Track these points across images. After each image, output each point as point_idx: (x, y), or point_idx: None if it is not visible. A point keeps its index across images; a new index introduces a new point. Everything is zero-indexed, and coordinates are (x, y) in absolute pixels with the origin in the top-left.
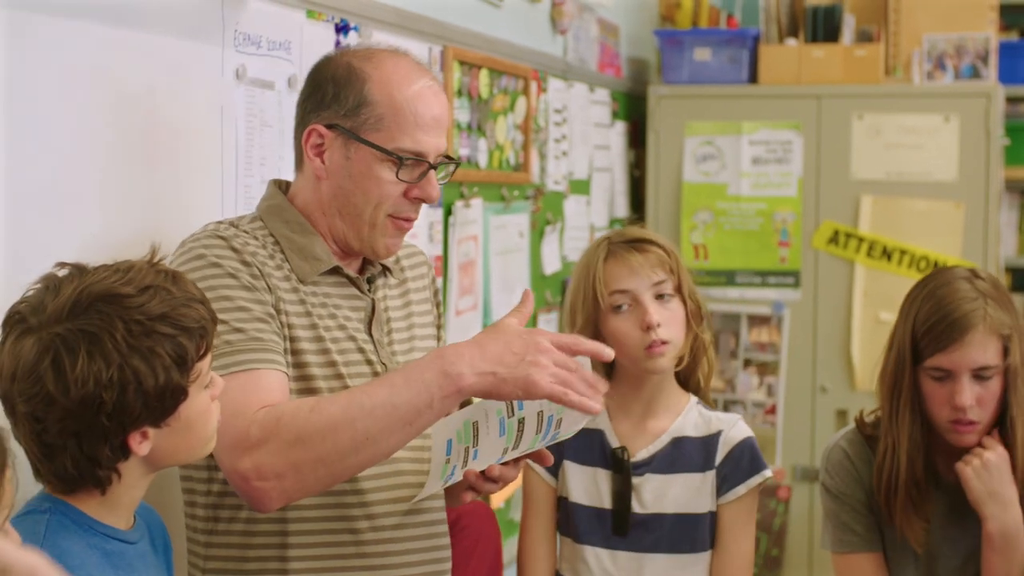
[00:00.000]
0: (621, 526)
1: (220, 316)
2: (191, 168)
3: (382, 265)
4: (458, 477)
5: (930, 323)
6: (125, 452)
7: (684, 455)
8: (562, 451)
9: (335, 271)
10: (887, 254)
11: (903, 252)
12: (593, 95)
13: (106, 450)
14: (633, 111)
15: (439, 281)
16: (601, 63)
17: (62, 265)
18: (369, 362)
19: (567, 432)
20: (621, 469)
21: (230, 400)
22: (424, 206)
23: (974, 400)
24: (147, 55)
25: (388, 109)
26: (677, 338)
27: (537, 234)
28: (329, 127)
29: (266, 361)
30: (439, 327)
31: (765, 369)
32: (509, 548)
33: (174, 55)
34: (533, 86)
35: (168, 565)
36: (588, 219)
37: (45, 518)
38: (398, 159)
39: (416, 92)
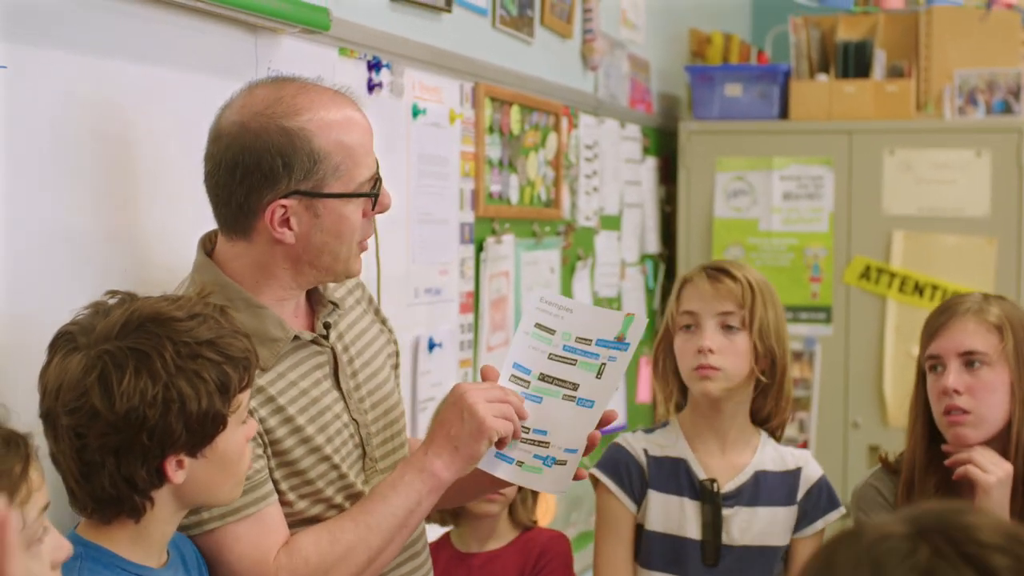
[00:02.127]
0: (712, 556)
1: None
2: None
3: (332, 302)
4: (562, 455)
5: (928, 317)
6: (161, 478)
7: (767, 489)
8: (647, 481)
9: (293, 338)
10: (919, 289)
11: (935, 287)
12: (624, 131)
13: (143, 472)
14: (664, 147)
15: (470, 317)
16: (632, 99)
17: (112, 293)
18: (345, 425)
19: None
20: (711, 500)
21: (246, 551)
22: (458, 243)
23: (963, 386)
24: (181, 92)
25: (341, 155)
26: (732, 369)
27: (568, 270)
28: (286, 196)
29: (258, 500)
30: (395, 343)
31: (797, 404)
32: None
33: (207, 92)
34: (564, 122)
35: None
36: (619, 255)
37: (77, 565)
38: (369, 195)
39: (352, 122)
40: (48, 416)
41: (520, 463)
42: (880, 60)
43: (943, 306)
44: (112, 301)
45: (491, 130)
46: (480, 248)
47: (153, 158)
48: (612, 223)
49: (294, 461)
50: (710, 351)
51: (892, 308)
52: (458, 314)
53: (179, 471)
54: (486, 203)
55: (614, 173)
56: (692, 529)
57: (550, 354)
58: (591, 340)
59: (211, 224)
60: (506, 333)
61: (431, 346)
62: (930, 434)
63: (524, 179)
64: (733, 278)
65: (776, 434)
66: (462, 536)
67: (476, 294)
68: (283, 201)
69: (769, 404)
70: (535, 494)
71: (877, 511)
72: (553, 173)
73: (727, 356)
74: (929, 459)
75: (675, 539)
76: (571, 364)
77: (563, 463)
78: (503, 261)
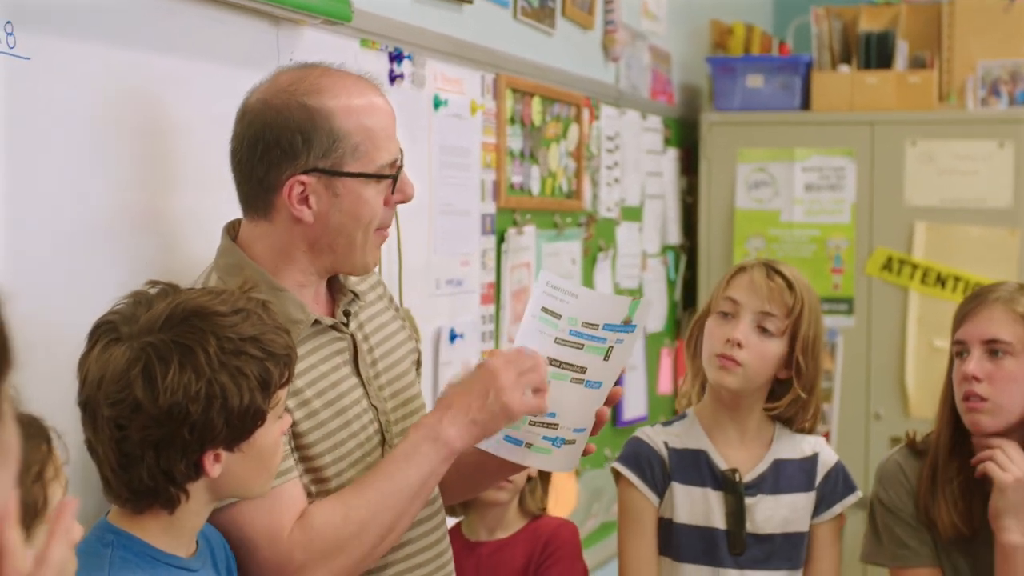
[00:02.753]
0: (738, 545)
1: None
2: None
3: (352, 292)
4: (571, 435)
5: (959, 306)
6: (198, 471)
7: (787, 477)
8: (669, 473)
9: (314, 322)
10: (941, 281)
11: (957, 279)
12: (645, 122)
13: (181, 466)
14: (685, 138)
15: (491, 308)
16: (653, 90)
17: (153, 283)
18: (365, 410)
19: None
20: (734, 490)
21: (261, 525)
22: (479, 234)
23: (983, 374)
24: (203, 83)
25: (361, 136)
26: (754, 368)
27: (589, 261)
28: (306, 173)
29: (279, 475)
30: (417, 340)
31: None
32: None
33: (229, 83)
34: (585, 113)
35: None
36: (640, 246)
37: (108, 553)
38: (389, 177)
39: (374, 106)
40: (87, 405)
41: (529, 445)
42: (902, 51)
43: (975, 293)
44: (153, 291)
45: (512, 121)
46: (501, 239)
47: (175, 148)
48: (633, 214)
49: (307, 445)
50: (738, 344)
51: (914, 299)
52: (479, 305)
53: (216, 465)
54: (507, 194)
55: (635, 164)
56: (718, 519)
57: (556, 338)
58: (598, 325)
59: (235, 212)
60: None
61: (452, 337)
62: (956, 420)
63: (545, 170)
64: (789, 284)
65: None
66: (471, 525)
67: (497, 285)
68: (302, 177)
69: (794, 410)
70: (544, 483)
71: (896, 489)
72: (574, 164)
73: (753, 355)
74: (953, 446)
75: (703, 530)
76: (578, 348)
77: (572, 442)
78: (524, 252)
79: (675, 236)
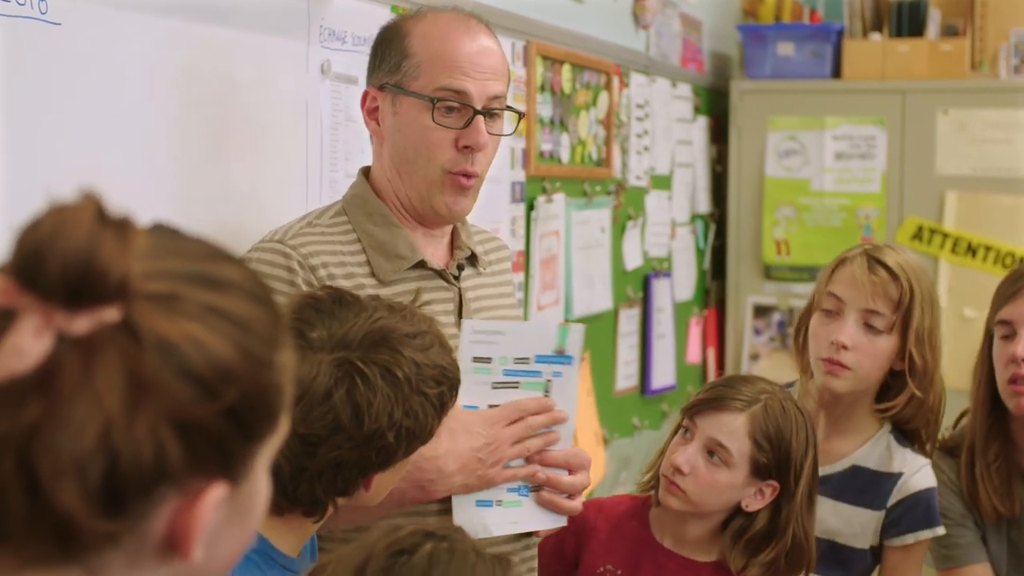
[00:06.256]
0: None
1: None
2: (276, 163)
3: (471, 251)
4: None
5: (1002, 282)
6: (364, 488)
7: (856, 487)
8: None
9: (420, 264)
10: (972, 250)
11: (988, 248)
12: (675, 90)
13: (356, 484)
14: (715, 106)
15: (520, 276)
16: (683, 58)
17: (322, 287)
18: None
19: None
20: None
21: None
22: (509, 202)
23: None
24: (233, 51)
25: (426, 56)
26: (863, 371)
27: (618, 229)
28: (380, 88)
29: None
30: None
31: None
32: None
33: (260, 51)
34: (615, 81)
35: None
36: (670, 214)
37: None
38: (432, 100)
39: (456, 38)
40: None
41: (499, 502)
42: (934, 19)
43: (1020, 270)
44: (323, 294)
45: (542, 89)
46: (531, 207)
47: (206, 118)
48: (663, 183)
49: None
50: (844, 347)
51: (945, 269)
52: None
53: (373, 482)
54: (537, 162)
55: (665, 132)
56: None
57: (493, 384)
58: (529, 358)
59: (270, 185)
60: (556, 292)
61: None
62: (993, 400)
63: (575, 138)
64: (893, 275)
65: (925, 449)
66: (660, 521)
67: (527, 253)
68: (372, 91)
69: (913, 415)
70: (754, 547)
71: (942, 490)
72: (604, 132)
73: (862, 356)
74: (991, 425)
75: None
76: (514, 388)
77: (537, 489)
78: (554, 220)
79: (704, 205)
